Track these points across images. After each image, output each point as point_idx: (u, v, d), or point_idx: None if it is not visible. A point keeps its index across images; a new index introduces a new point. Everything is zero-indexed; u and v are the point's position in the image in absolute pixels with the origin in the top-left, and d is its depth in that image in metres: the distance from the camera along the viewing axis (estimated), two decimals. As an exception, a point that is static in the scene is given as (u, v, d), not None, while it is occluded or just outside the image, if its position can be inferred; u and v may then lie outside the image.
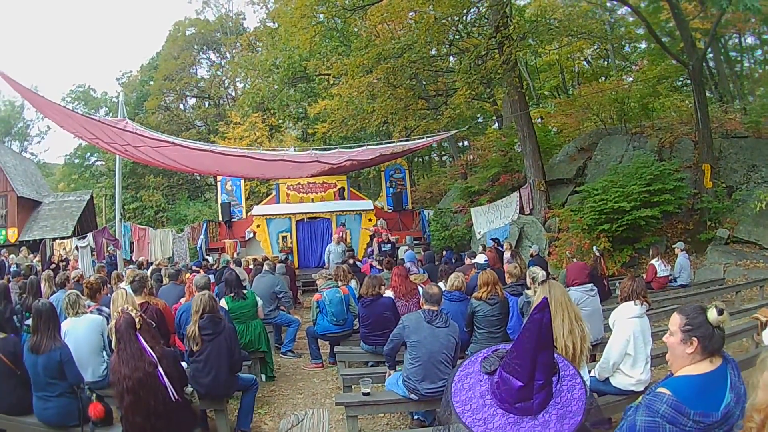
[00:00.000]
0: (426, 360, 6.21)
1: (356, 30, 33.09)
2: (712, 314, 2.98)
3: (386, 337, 7.92)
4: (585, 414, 2.27)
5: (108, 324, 7.03)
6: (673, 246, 15.28)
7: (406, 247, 20.42)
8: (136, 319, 5.66)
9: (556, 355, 2.33)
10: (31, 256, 22.97)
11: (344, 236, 21.89)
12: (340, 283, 10.70)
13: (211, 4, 55.99)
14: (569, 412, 2.25)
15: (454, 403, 2.37)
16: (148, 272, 13.67)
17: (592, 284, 8.10)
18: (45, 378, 5.77)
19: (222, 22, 55.00)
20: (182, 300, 9.27)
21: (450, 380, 2.47)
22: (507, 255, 15.95)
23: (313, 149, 24.00)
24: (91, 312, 7.51)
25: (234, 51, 53.38)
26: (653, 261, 14.44)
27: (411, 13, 24.48)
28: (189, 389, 6.03)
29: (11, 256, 22.84)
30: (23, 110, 58.21)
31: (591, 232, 17.26)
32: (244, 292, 9.81)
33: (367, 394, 6.60)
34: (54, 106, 15.44)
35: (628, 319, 5.89)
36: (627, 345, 5.77)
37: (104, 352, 7.05)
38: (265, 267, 13.49)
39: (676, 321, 3.19)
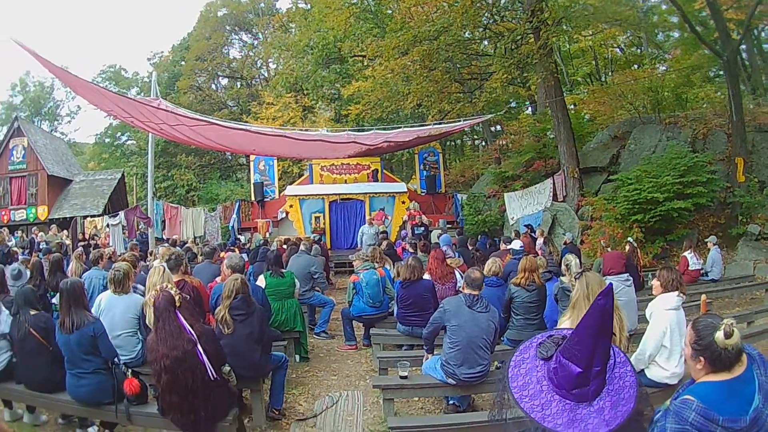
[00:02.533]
0: (465, 345, 6.20)
1: (390, 12, 32.88)
2: (719, 337, 2.90)
3: (424, 318, 7.99)
4: (636, 401, 2.34)
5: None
6: (706, 240, 15.28)
7: (440, 231, 20.44)
8: (176, 297, 5.66)
9: None
10: (63, 233, 23.14)
11: (385, 221, 21.95)
12: (376, 265, 10.73)
13: (243, -15, 55.72)
14: (622, 399, 2.30)
15: (512, 389, 2.40)
16: (182, 250, 13.84)
17: (627, 274, 8.15)
18: (79, 354, 5.77)
19: (254, 3, 54.80)
20: (218, 279, 9.23)
21: (506, 365, 2.49)
22: (540, 242, 15.93)
23: (347, 130, 23.95)
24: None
25: (266, 32, 53.33)
26: (686, 253, 14.42)
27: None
28: (227, 368, 6.04)
29: (40, 233, 23.08)
30: (53, 90, 58.55)
31: (624, 221, 17.22)
32: (282, 271, 9.89)
33: (405, 377, 6.62)
34: (89, 86, 15.51)
35: (665, 311, 5.85)
36: (663, 337, 5.74)
37: (138, 332, 7.06)
38: (302, 247, 13.58)
39: (689, 334, 3.14)
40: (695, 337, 3.04)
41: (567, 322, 5.38)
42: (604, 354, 2.24)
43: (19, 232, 24.63)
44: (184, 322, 5.47)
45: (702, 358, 2.98)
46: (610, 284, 2.38)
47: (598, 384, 2.27)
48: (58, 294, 6.89)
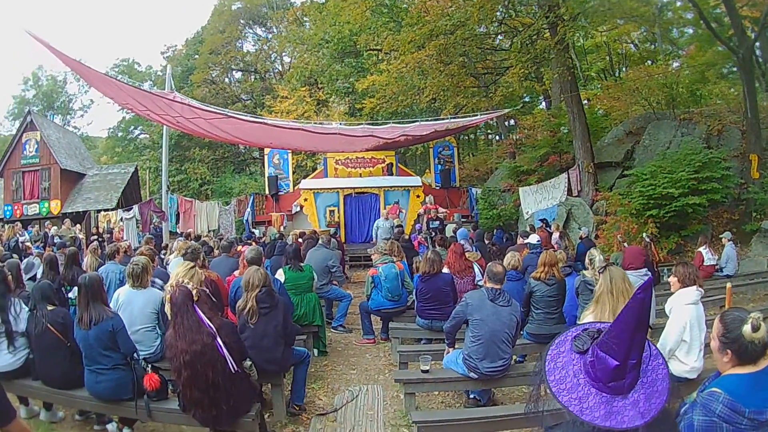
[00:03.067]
0: (488, 338, 6.24)
1: (405, 6, 32.83)
2: (746, 330, 2.96)
3: (443, 311, 8.13)
4: (669, 392, 2.40)
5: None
6: (720, 236, 15.26)
7: (455, 225, 20.41)
8: (193, 291, 5.62)
9: None
10: (76, 227, 23.22)
11: (399, 214, 21.99)
12: (395, 259, 10.74)
13: (257, -20, 55.67)
14: (655, 391, 2.34)
15: (550, 382, 2.42)
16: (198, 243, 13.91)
17: (646, 269, 8.22)
18: (98, 350, 5.77)
19: (269, -3, 54.80)
20: (236, 273, 9.19)
21: (543, 359, 2.51)
22: (555, 236, 15.99)
23: (363, 124, 23.99)
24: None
25: (281, 25, 53.20)
26: (701, 249, 14.43)
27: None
28: (248, 363, 6.06)
29: (54, 227, 23.14)
30: (66, 84, 58.71)
31: (639, 216, 17.25)
32: (301, 264, 9.89)
33: (426, 371, 6.66)
34: (105, 78, 15.64)
35: (684, 306, 5.89)
36: (683, 331, 5.78)
37: (158, 327, 7.06)
38: (320, 241, 13.60)
39: (716, 327, 3.20)
40: (723, 330, 3.11)
41: (590, 316, 5.46)
42: (641, 347, 2.28)
43: (35, 226, 24.67)
44: (203, 316, 5.47)
45: (729, 351, 3.05)
46: (650, 278, 2.44)
47: (633, 377, 2.30)
48: (75, 288, 6.95)
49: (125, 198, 33.75)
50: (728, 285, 7.06)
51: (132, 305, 6.89)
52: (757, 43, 23.36)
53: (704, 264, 13.93)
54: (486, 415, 6.09)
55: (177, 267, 7.26)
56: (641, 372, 2.39)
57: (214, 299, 6.66)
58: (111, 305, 6.55)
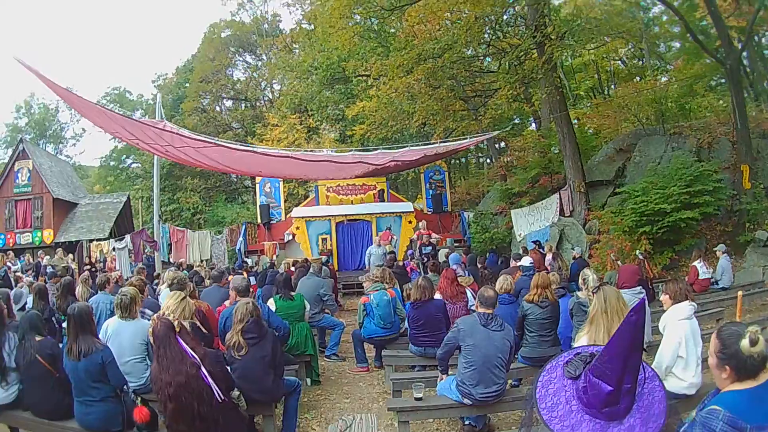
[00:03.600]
0: (481, 364, 6.16)
1: (393, 31, 32.99)
2: (744, 344, 2.88)
3: (436, 338, 8.00)
4: (667, 416, 2.33)
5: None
6: (714, 248, 15.18)
7: (447, 250, 20.37)
8: (175, 323, 5.63)
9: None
10: (69, 257, 23.17)
11: (392, 240, 21.93)
12: (386, 286, 10.61)
13: (246, 6, 56.30)
14: (652, 415, 2.29)
15: (541, 410, 2.39)
16: (189, 273, 13.83)
17: (640, 287, 8.18)
18: (88, 382, 5.72)
19: (257, 24, 55.26)
20: (226, 303, 9.08)
21: (533, 386, 2.46)
22: (549, 257, 15.99)
23: (353, 150, 24.08)
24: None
25: (270, 53, 53.56)
26: (695, 263, 14.38)
27: (447, 14, 24.49)
28: (236, 393, 6.02)
29: (46, 257, 23.06)
30: (57, 113, 58.94)
31: (632, 234, 17.19)
32: (292, 293, 9.83)
33: (420, 398, 6.57)
34: (94, 107, 15.58)
35: (678, 321, 5.87)
36: (679, 348, 5.73)
37: (147, 358, 6.94)
38: (311, 269, 13.43)
39: (713, 343, 3.10)
40: (720, 346, 3.02)
41: (584, 338, 5.39)
42: (635, 370, 2.23)
43: (27, 255, 24.60)
44: (186, 346, 5.42)
45: (728, 367, 2.97)
46: (643, 299, 2.38)
47: (628, 401, 2.26)
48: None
49: (118, 227, 33.83)
50: (739, 294, 7.02)
51: (121, 336, 6.83)
52: (745, 53, 23.52)
53: (699, 278, 13.95)
54: (482, 441, 5.99)
55: (167, 299, 7.18)
56: (637, 395, 2.33)
57: (204, 330, 6.85)
58: (100, 336, 6.54)
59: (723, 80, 24.95)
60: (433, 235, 21.66)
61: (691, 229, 17.04)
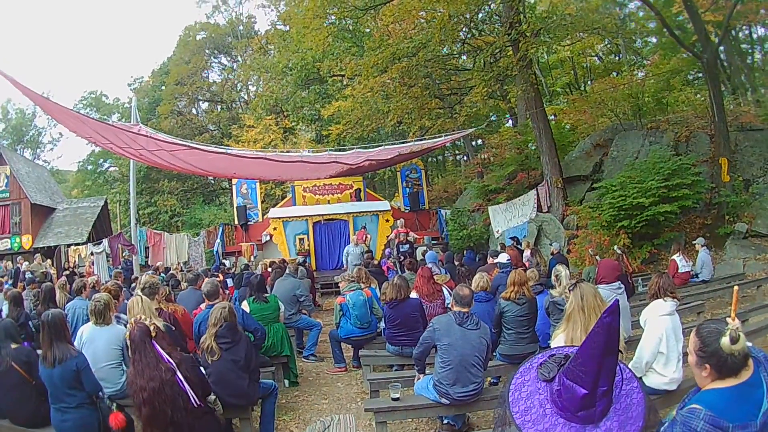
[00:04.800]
0: (458, 363, 6.08)
1: (368, 30, 33.05)
2: (725, 342, 2.78)
3: (413, 337, 7.94)
4: (645, 419, 2.22)
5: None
6: (694, 242, 15.17)
7: (425, 248, 20.37)
8: (151, 327, 5.55)
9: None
10: (47, 262, 22.98)
11: (366, 239, 21.82)
12: (363, 286, 10.59)
13: (221, 8, 56.32)
14: (630, 418, 2.20)
15: (513, 414, 2.28)
16: (165, 277, 13.68)
17: (619, 282, 8.10)
18: (63, 389, 5.68)
19: (233, 26, 55.18)
20: (202, 306, 8.92)
21: (506, 389, 2.37)
22: (527, 253, 15.94)
23: (329, 150, 23.98)
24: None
25: (245, 54, 53.50)
26: (674, 257, 14.31)
27: (422, 12, 24.44)
28: (212, 397, 5.98)
29: (25, 263, 22.87)
30: (34, 118, 58.35)
31: (610, 228, 17.22)
32: (266, 295, 9.76)
33: (397, 399, 6.51)
34: (67, 112, 15.45)
35: (659, 317, 5.82)
36: (659, 343, 5.69)
37: (123, 364, 6.83)
38: (288, 270, 13.30)
39: (693, 341, 3.04)
40: (700, 344, 2.94)
41: (561, 336, 5.30)
42: (611, 372, 2.12)
43: (4, 261, 24.43)
44: (162, 351, 5.37)
45: (708, 366, 2.89)
46: (616, 301, 2.25)
47: (605, 404, 2.16)
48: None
49: (96, 232, 33.57)
50: (735, 288, 6.93)
51: (95, 342, 6.74)
52: (722, 47, 23.59)
53: (679, 271, 13.88)
54: (461, 440, 5.92)
55: (130, 309, 7.10)
56: (614, 397, 2.22)
57: (175, 334, 6.90)
58: (75, 342, 6.51)
59: (700, 74, 25.09)
60: (411, 233, 21.60)
61: (670, 223, 17.11)
